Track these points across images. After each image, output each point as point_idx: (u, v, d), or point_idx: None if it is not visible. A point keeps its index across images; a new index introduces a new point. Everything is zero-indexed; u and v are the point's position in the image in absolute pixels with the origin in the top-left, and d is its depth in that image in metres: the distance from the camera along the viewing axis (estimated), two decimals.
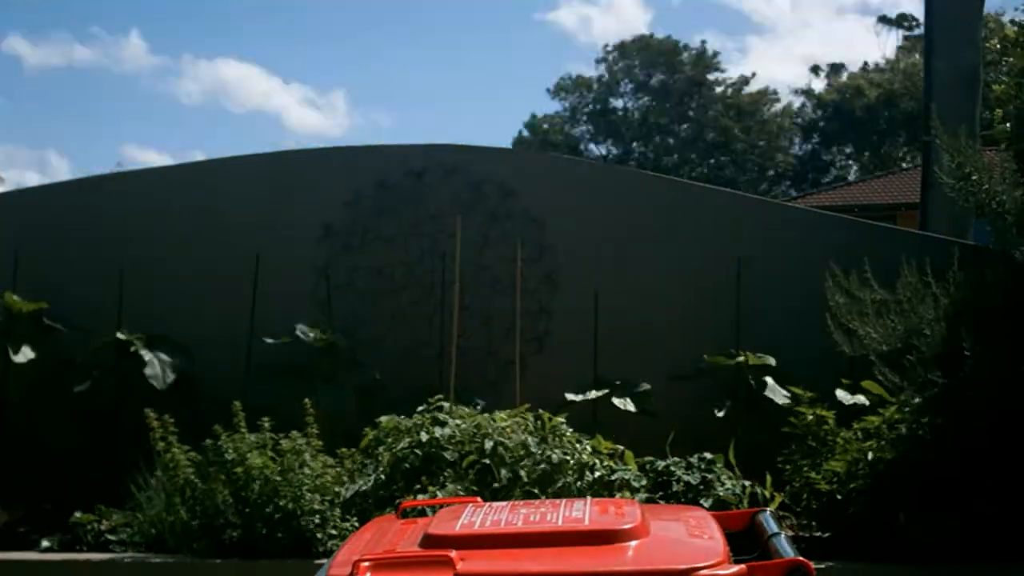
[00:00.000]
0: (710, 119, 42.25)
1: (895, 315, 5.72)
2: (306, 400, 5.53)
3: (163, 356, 6.54)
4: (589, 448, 5.58)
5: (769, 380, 6.64)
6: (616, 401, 6.75)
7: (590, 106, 43.25)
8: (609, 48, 43.31)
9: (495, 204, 7.43)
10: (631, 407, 6.68)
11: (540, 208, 7.40)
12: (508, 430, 5.46)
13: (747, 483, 5.65)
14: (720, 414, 6.67)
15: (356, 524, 5.08)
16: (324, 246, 7.38)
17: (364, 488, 5.23)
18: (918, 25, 40.85)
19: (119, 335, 6.59)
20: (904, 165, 30.48)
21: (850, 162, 41.66)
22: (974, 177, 5.68)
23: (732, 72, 42.83)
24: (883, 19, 42.90)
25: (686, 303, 7.23)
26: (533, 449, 5.35)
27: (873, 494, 5.09)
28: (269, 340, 6.78)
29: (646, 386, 6.81)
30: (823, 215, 7.98)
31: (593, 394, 6.73)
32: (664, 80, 42.25)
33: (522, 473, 5.26)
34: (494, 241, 7.39)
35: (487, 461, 5.20)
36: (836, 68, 42.30)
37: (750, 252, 7.20)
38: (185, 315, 6.84)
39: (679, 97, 42.11)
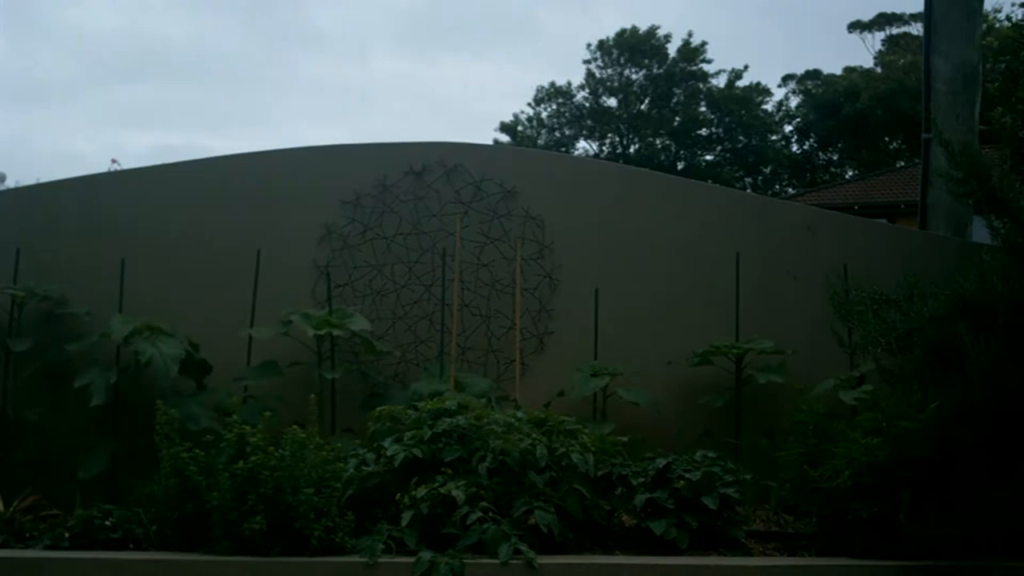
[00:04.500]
0: (701, 114, 42.20)
1: (895, 311, 5.73)
2: (312, 396, 5.53)
3: (164, 347, 6.30)
4: (591, 446, 5.56)
5: (769, 375, 6.65)
6: (616, 393, 6.74)
7: (572, 110, 43.11)
8: (592, 47, 43.29)
9: (495, 202, 7.46)
10: (632, 400, 6.67)
11: (540, 206, 7.43)
12: (515, 427, 5.45)
13: (750, 479, 5.65)
14: (719, 404, 6.70)
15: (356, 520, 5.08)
16: (324, 245, 7.38)
17: (367, 484, 5.21)
18: (899, 24, 40.97)
19: (118, 327, 6.50)
20: (901, 163, 30.55)
21: (846, 160, 41.74)
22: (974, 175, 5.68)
23: (722, 62, 42.77)
24: (856, 24, 42.82)
25: (686, 300, 7.26)
26: (540, 448, 5.34)
27: (872, 491, 5.09)
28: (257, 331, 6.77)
29: (647, 387, 6.79)
30: (822, 212, 8.00)
31: (593, 383, 6.69)
32: (650, 74, 42.13)
33: (534, 477, 5.25)
34: (494, 240, 7.42)
35: (501, 458, 5.19)
36: (811, 74, 42.34)
37: (749, 249, 7.23)
38: (185, 315, 6.82)
39: (667, 90, 42.01)
